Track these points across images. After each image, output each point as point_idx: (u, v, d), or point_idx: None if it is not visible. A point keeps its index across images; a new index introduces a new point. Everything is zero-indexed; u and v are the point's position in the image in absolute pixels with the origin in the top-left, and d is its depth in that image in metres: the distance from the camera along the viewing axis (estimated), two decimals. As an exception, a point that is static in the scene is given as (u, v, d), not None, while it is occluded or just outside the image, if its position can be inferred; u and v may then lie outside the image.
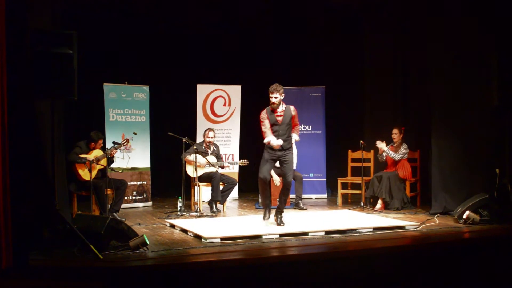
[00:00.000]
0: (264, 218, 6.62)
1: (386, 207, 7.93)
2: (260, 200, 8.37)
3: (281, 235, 6.01)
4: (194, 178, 7.99)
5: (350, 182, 8.87)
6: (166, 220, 7.09)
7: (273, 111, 6.43)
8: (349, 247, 5.57)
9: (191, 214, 7.59)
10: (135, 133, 8.30)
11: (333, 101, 9.86)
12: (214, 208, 7.89)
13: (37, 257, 4.83)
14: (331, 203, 9.05)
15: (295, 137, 6.60)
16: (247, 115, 9.49)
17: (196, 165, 7.77)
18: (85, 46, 6.50)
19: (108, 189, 7.15)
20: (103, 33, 9.10)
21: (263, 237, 5.89)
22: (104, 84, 8.60)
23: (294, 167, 7.45)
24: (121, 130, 8.63)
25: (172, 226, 6.72)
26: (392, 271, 5.21)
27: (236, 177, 8.88)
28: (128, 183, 8.08)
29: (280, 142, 6.33)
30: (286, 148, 6.43)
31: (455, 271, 5.34)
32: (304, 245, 5.59)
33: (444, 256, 5.44)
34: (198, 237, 5.90)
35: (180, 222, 6.73)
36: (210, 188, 7.99)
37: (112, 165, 7.65)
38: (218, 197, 7.93)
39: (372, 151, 8.74)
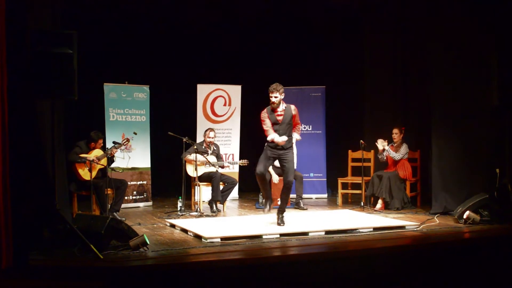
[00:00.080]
0: (264, 211, 6.64)
1: (386, 207, 7.93)
2: (260, 200, 8.40)
3: (281, 235, 6.01)
4: (194, 178, 7.99)
5: (350, 182, 8.87)
6: (166, 220, 7.09)
7: (273, 110, 6.42)
8: (349, 247, 5.57)
9: (191, 214, 7.59)
10: (135, 133, 8.31)
11: (333, 101, 9.86)
12: (214, 208, 7.89)
13: (37, 257, 4.83)
14: (331, 203, 9.05)
15: (296, 136, 6.59)
16: (247, 115, 9.49)
17: (196, 164, 7.77)
18: (85, 46, 6.49)
19: (108, 189, 7.15)
20: (103, 33, 9.11)
21: (263, 237, 5.89)
22: (104, 84, 8.60)
23: (295, 166, 7.44)
24: (121, 130, 8.63)
25: (172, 226, 6.73)
26: (392, 271, 5.21)
27: (236, 177, 8.88)
28: (128, 183, 8.09)
29: (284, 138, 6.30)
30: (286, 147, 6.42)
31: (455, 271, 5.34)
32: (304, 245, 5.59)
33: (444, 256, 5.43)
34: (198, 237, 5.90)
35: (180, 222, 6.73)
36: (210, 188, 7.99)
37: (112, 165, 7.65)
38: (218, 197, 7.93)
39: (372, 151, 8.74)
